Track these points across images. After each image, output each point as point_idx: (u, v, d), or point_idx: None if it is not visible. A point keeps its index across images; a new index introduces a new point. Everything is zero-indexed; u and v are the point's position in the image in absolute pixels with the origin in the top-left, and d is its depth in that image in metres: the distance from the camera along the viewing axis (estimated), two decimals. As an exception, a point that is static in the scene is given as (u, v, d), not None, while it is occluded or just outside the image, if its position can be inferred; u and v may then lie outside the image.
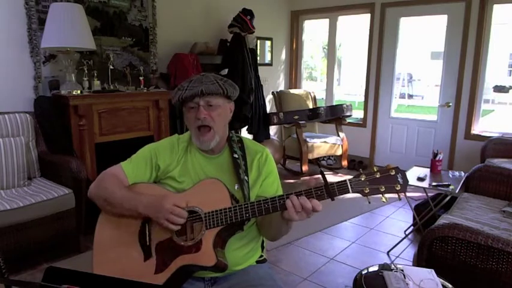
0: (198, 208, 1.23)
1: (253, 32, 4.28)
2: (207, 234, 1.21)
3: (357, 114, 5.43)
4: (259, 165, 1.38)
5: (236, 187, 1.32)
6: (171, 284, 1.22)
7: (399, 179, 1.13)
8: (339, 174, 4.85)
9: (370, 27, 4.89)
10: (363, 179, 1.14)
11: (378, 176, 1.14)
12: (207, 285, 1.33)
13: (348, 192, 1.14)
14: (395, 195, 1.16)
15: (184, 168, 1.37)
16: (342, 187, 1.14)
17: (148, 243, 1.25)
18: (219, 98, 1.31)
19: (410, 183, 2.87)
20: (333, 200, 1.15)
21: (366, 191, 1.14)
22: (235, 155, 1.36)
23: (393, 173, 1.14)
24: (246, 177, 1.32)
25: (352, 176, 1.15)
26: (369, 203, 1.17)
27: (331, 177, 4.58)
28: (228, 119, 1.39)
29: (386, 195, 1.14)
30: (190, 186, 1.30)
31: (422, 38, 6.44)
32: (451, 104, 4.43)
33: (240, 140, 1.43)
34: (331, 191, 1.13)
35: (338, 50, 5.66)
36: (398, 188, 1.13)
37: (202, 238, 1.21)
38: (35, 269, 2.49)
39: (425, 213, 2.95)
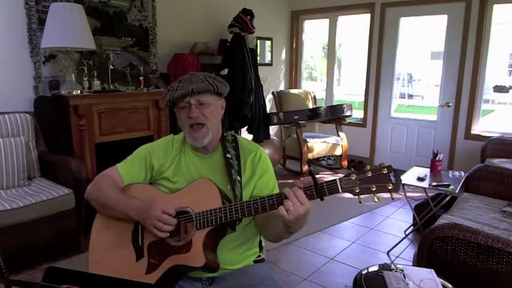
0: (189, 208, 1.23)
1: (253, 32, 4.28)
2: (197, 234, 1.21)
3: (357, 114, 5.43)
4: (253, 164, 1.37)
5: (229, 187, 1.32)
6: (162, 284, 1.22)
7: (391, 178, 1.09)
8: (339, 174, 4.85)
9: (370, 27, 4.88)
10: (353, 178, 1.10)
11: (369, 175, 1.10)
12: (204, 285, 1.33)
13: (338, 192, 1.11)
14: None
15: (177, 168, 1.37)
16: (331, 187, 1.10)
17: (140, 244, 1.26)
18: (210, 95, 1.32)
19: (410, 183, 2.90)
20: (322, 200, 1.11)
21: (357, 191, 1.10)
22: (228, 155, 1.35)
23: (385, 171, 1.10)
24: (238, 177, 1.32)
25: (343, 175, 1.13)
26: (360, 202, 1.12)
27: (332, 178, 4.57)
28: (221, 116, 1.39)
29: (380, 195, 1.10)
30: (184, 186, 1.30)
31: (422, 38, 6.43)
32: (451, 104, 4.43)
33: (235, 139, 1.42)
34: (320, 191, 1.10)
35: (338, 50, 5.66)
36: (390, 187, 1.09)
37: (193, 238, 1.21)
38: (35, 269, 2.49)
39: (425, 213, 2.95)
